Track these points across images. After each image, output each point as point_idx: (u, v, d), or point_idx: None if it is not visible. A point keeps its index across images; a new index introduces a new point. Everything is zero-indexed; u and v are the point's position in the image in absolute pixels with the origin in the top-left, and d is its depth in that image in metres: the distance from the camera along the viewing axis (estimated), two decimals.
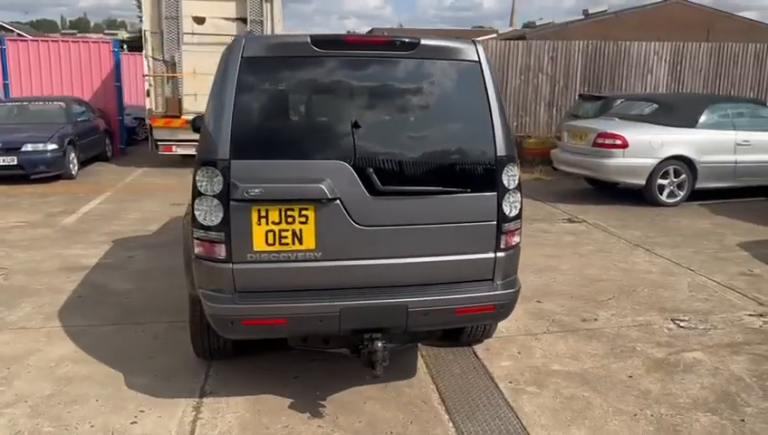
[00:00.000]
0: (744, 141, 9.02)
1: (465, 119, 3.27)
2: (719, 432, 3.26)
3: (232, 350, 3.88)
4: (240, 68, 3.05)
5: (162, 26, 12.02)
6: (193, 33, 12.23)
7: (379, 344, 3.13)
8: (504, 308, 3.35)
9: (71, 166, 11.19)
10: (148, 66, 12.21)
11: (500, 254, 3.35)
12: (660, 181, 8.89)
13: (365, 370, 3.29)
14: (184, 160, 13.08)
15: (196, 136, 11.30)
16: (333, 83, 3.18)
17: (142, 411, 3.42)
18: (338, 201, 3.10)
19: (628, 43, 14.39)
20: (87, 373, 3.84)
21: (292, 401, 3.54)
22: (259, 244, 3.11)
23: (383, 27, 57.01)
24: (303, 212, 3.10)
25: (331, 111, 3.19)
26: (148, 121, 12.43)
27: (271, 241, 3.11)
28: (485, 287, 3.32)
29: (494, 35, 59.09)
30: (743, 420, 3.36)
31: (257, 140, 3.09)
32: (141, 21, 12.78)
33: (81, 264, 6.07)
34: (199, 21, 12.24)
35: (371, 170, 3.10)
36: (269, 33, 12.36)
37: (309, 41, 3.09)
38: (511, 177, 3.32)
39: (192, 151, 12.52)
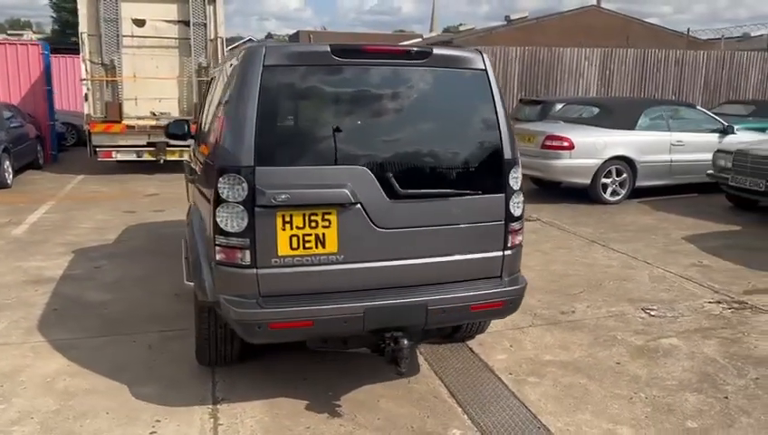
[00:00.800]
0: (678, 142, 9.66)
1: (475, 124, 3.43)
2: (708, 409, 3.55)
3: (238, 356, 3.89)
4: (262, 76, 3.10)
5: (101, 29, 11.64)
6: (133, 36, 11.91)
7: (406, 342, 3.24)
8: (512, 304, 3.53)
9: (6, 175, 10.68)
10: (86, 70, 11.79)
11: (507, 252, 3.53)
12: (604, 180, 9.39)
13: (388, 367, 3.40)
14: (123, 167, 12.75)
15: (138, 141, 11.03)
16: (352, 91, 3.28)
17: (158, 421, 3.39)
18: (359, 205, 3.20)
19: (561, 49, 15.07)
20: (89, 386, 3.76)
21: (307, 402, 3.60)
22: (283, 249, 3.16)
23: (307, 30, 56.88)
24: (326, 217, 3.18)
25: (349, 118, 3.27)
26: (86, 127, 12.00)
27: (295, 245, 3.17)
28: (495, 284, 3.49)
29: (419, 39, 60.10)
30: (726, 398, 3.68)
31: (280, 147, 3.14)
32: (55, 21, 12.29)
33: (45, 276, 5.86)
34: (139, 23, 11.94)
35: (391, 175, 3.21)
36: (212, 35, 12.22)
37: (329, 50, 3.17)
38: (515, 178, 3.51)
39: (132, 157, 12.31)
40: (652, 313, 4.99)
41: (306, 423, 3.39)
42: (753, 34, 39.41)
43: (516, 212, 3.52)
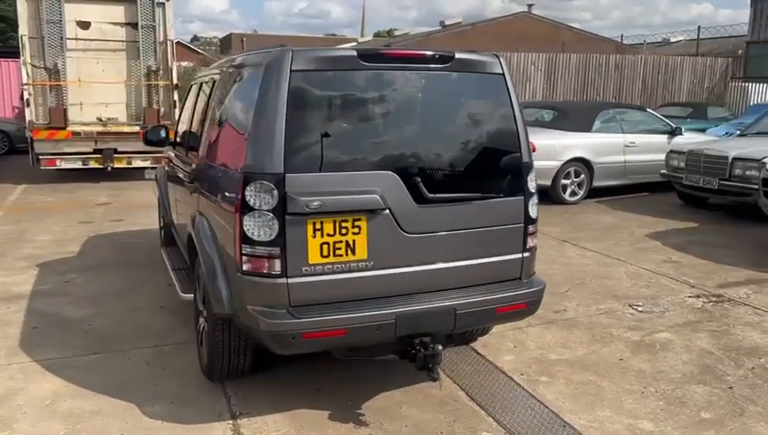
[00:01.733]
0: (631, 143, 10.04)
1: (495, 128, 3.46)
2: (717, 400, 3.70)
3: (250, 369, 3.78)
4: (290, 81, 3.02)
5: (43, 31, 11.09)
6: (77, 39, 11.41)
7: (440, 347, 3.23)
8: (534, 305, 3.58)
9: None
10: (27, 74, 11.21)
11: (525, 254, 3.58)
12: (563, 181, 9.65)
13: (402, 374, 3.39)
14: (66, 175, 12.20)
15: (84, 148, 10.59)
16: (378, 96, 3.24)
17: None
18: (387, 211, 3.17)
19: (509, 53, 15.40)
20: (94, 408, 3.57)
21: (328, 413, 3.53)
22: (314, 256, 3.09)
23: (239, 33, 56.02)
24: (356, 223, 3.13)
25: (376, 122, 3.24)
26: (28, 134, 11.40)
27: (325, 253, 3.11)
28: (517, 286, 3.53)
29: (354, 44, 60.15)
30: (730, 388, 3.84)
31: (308, 153, 3.08)
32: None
33: (14, 292, 5.53)
34: (84, 26, 11.45)
35: (419, 180, 3.19)
36: (161, 38, 11.85)
37: (356, 54, 3.13)
38: (532, 181, 3.56)
39: (77, 165, 11.77)
40: (639, 308, 5.16)
41: (335, 434, 3.33)
42: (672, 40, 41.61)
43: (533, 214, 3.58)
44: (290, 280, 3.07)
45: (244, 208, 3.05)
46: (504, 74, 3.47)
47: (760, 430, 3.37)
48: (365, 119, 3.21)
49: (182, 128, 5.18)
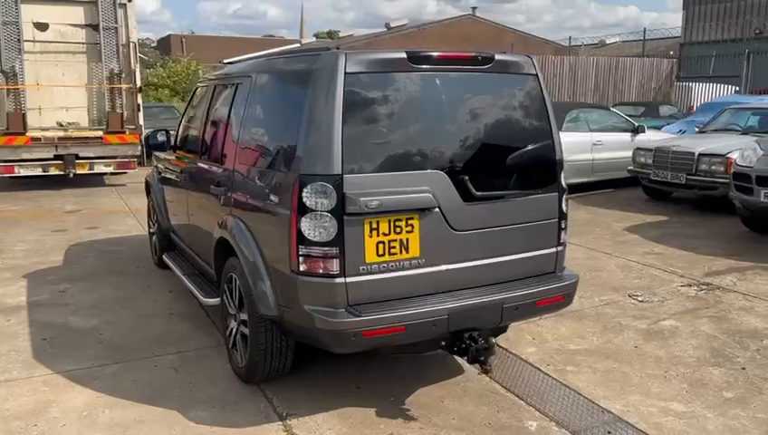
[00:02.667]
0: (598, 141, 10.42)
1: (532, 126, 3.59)
2: (734, 380, 3.93)
3: (289, 370, 3.79)
4: (345, 84, 3.06)
5: None
6: (35, 41, 11.01)
7: (493, 340, 3.33)
8: (570, 297, 3.73)
9: None
10: None
11: (559, 247, 3.73)
12: None
13: (435, 368, 3.47)
14: (23, 183, 11.76)
15: (45, 154, 10.25)
16: (426, 96, 3.31)
17: None
18: (437, 209, 3.25)
19: None
20: (136, 417, 3.51)
21: (374, 410, 3.58)
22: (371, 256, 3.14)
23: (178, 34, 54.85)
24: (410, 222, 3.20)
25: (425, 122, 3.31)
26: None
27: (381, 252, 3.16)
28: (554, 279, 3.66)
29: (297, 45, 59.64)
30: (743, 369, 4.08)
31: (363, 154, 3.12)
32: None
33: (9, 304, 5.33)
34: (41, 27, 11.06)
35: (466, 178, 3.28)
36: (124, 40, 11.56)
37: (405, 56, 3.19)
38: (564, 177, 3.71)
39: (37, 172, 11.33)
40: (639, 299, 5.39)
41: (387, 430, 3.38)
42: (607, 42, 43.17)
43: (565, 209, 3.72)
44: (348, 279, 3.11)
45: (301, 210, 3.07)
46: (537, 75, 3.60)
47: None
48: (414, 119, 3.27)
49: (191, 132, 5.11)
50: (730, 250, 6.91)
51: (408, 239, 3.20)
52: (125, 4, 11.49)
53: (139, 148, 11.74)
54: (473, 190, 3.30)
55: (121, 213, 9.42)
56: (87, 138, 11.33)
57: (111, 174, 12.52)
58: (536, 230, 3.59)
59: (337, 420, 3.47)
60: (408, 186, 3.17)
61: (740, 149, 8.24)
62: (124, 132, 11.51)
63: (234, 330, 3.92)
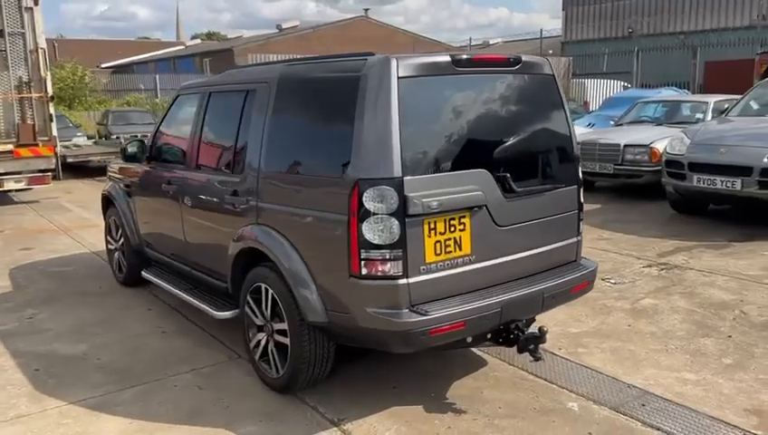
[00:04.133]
0: None
1: (554, 123, 3.79)
2: (726, 348, 4.34)
3: (326, 376, 3.78)
4: (399, 87, 3.12)
5: None
6: None
7: (545, 329, 3.49)
8: (592, 284, 3.97)
9: None
10: None
11: (579, 237, 3.97)
12: None
13: (458, 360, 3.59)
14: None
15: None
16: (469, 98, 3.43)
17: None
18: (485, 206, 3.37)
19: None
20: None
21: (420, 406, 3.66)
22: (430, 255, 3.21)
23: (50, 39, 51.38)
24: (462, 220, 3.30)
25: (469, 123, 3.41)
26: None
27: (438, 251, 3.24)
28: (579, 267, 3.89)
29: (182, 47, 57.54)
30: (730, 337, 4.51)
31: (418, 156, 3.19)
32: None
33: None
34: None
35: (508, 175, 3.43)
36: (32, 46, 10.78)
37: (450, 60, 3.29)
38: (580, 171, 3.95)
39: None
40: (612, 281, 5.78)
41: (443, 424, 3.47)
42: (491, 42, 45.21)
43: (582, 201, 3.96)
44: (410, 280, 3.16)
45: (362, 214, 3.09)
46: (554, 75, 3.81)
47: None
48: (460, 120, 3.38)
49: (177, 142, 4.92)
50: (669, 232, 7.53)
51: (460, 237, 3.31)
52: (31, 8, 10.68)
53: (54, 160, 11.01)
54: (514, 187, 3.45)
55: (50, 231, 8.82)
56: None
57: (18, 191, 11.64)
58: (562, 222, 3.81)
59: (390, 421, 3.51)
60: (459, 185, 3.27)
61: (662, 139, 8.99)
62: (37, 145, 10.74)
63: (263, 341, 3.86)
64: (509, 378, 3.99)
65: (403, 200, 3.09)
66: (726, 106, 9.22)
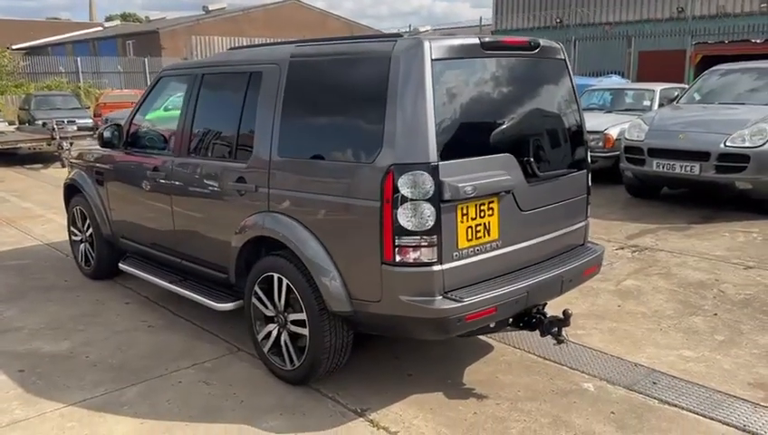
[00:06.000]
0: None
1: (567, 108, 3.81)
2: (716, 325, 4.53)
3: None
4: (433, 70, 3.05)
5: None
6: None
7: (570, 312, 3.53)
8: (600, 266, 4.04)
9: None
10: None
11: (587, 221, 4.03)
12: None
13: (469, 346, 3.62)
14: None
15: None
16: (495, 81, 3.39)
17: None
18: (511, 191, 3.37)
19: None
20: None
21: (440, 393, 3.64)
22: (462, 241, 3.18)
23: None
24: (491, 205, 3.29)
25: (495, 107, 3.38)
26: None
27: (470, 237, 3.22)
28: (589, 250, 3.96)
29: (100, 28, 55.01)
30: (716, 314, 4.72)
31: (451, 141, 3.13)
32: None
33: None
34: None
35: (532, 160, 3.44)
36: None
37: (479, 42, 3.25)
38: (588, 156, 4.01)
39: None
40: None
41: (469, 410, 3.46)
42: (420, 30, 45.53)
43: (590, 185, 4.03)
44: (444, 266, 3.12)
45: (397, 200, 3.02)
46: (565, 60, 3.84)
47: (765, 341, 4.24)
48: (488, 104, 3.35)
49: (162, 128, 4.67)
50: (631, 215, 7.81)
51: (489, 223, 3.29)
52: None
53: None
54: (536, 171, 3.46)
55: None
56: None
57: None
58: (574, 206, 3.86)
59: (414, 408, 3.48)
60: (489, 170, 3.25)
61: (616, 125, 9.29)
62: None
63: (274, 333, 3.73)
64: (519, 361, 4.03)
65: (438, 186, 3.04)
66: (677, 94, 9.62)
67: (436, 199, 3.05)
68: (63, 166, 13.17)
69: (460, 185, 3.07)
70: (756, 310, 4.76)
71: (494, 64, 3.39)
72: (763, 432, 3.21)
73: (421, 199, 3.03)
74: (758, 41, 13.68)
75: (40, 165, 13.70)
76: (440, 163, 3.05)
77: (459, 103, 3.23)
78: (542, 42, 3.63)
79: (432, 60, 3.07)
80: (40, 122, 17.32)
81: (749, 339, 4.29)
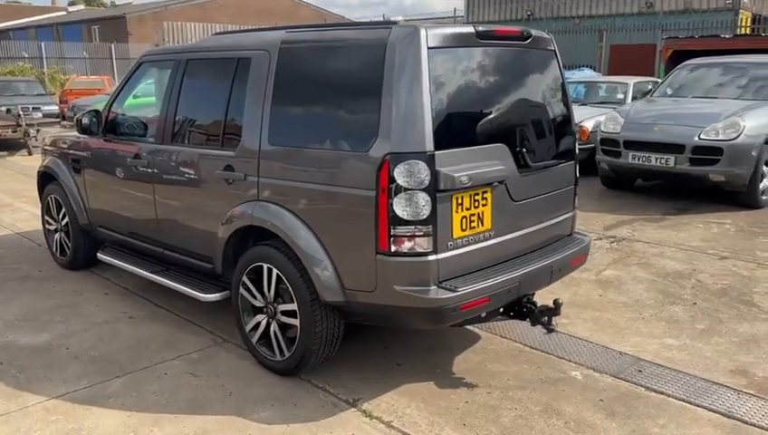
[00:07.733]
0: None
1: (556, 99, 3.84)
2: (696, 314, 4.62)
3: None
4: (429, 59, 3.03)
5: None
6: None
7: (561, 301, 3.55)
8: (587, 257, 4.08)
9: None
10: None
11: (574, 212, 4.07)
12: None
13: (465, 337, 3.65)
14: None
15: None
16: (489, 71, 3.39)
17: None
18: (504, 181, 3.37)
19: None
20: (197, 429, 3.19)
21: (431, 382, 3.65)
22: (457, 231, 3.18)
23: None
24: (485, 195, 3.29)
25: (489, 96, 3.38)
26: None
27: (464, 227, 3.22)
28: (576, 241, 3.99)
29: (63, 13, 53.72)
30: (695, 304, 4.81)
31: (446, 130, 3.12)
32: None
33: None
34: None
35: (524, 150, 3.44)
36: None
37: (474, 31, 3.24)
38: (577, 147, 4.04)
39: None
40: None
41: (460, 399, 3.47)
42: (392, 19, 45.39)
43: (578, 175, 4.06)
44: (439, 256, 3.12)
45: (393, 190, 3.00)
46: (555, 51, 3.85)
47: (744, 329, 4.34)
48: (482, 94, 3.35)
49: (141, 114, 4.57)
50: (607, 206, 7.91)
51: (483, 213, 3.29)
52: None
53: None
54: (528, 162, 3.47)
55: None
56: None
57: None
58: (561, 197, 3.89)
59: (406, 398, 3.47)
60: (483, 160, 3.25)
61: (591, 118, 9.40)
62: None
63: (263, 324, 3.69)
64: (506, 351, 4.06)
65: (434, 175, 3.03)
66: (650, 87, 9.75)
67: (432, 189, 3.03)
68: (30, 154, 12.84)
69: (456, 175, 3.06)
70: (734, 299, 4.87)
71: (488, 54, 3.38)
72: (746, 418, 3.29)
73: (417, 189, 3.01)
74: (727, 36, 13.96)
75: (5, 152, 13.31)
76: (436, 153, 3.04)
77: (454, 93, 3.22)
78: (534, 32, 3.64)
79: (429, 48, 3.05)
80: (3, 108, 16.85)
81: (728, 327, 4.39)
